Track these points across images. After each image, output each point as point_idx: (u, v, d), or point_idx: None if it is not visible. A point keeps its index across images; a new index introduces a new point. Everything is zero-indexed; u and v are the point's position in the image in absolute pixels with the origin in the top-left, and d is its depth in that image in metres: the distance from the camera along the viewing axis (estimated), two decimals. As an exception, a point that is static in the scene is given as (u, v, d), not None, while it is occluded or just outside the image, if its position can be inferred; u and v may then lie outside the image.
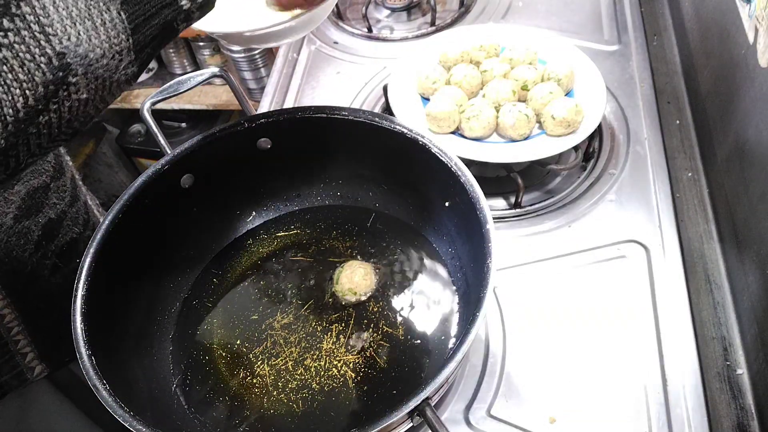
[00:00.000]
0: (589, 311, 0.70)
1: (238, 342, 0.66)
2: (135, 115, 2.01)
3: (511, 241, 0.77)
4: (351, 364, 0.63)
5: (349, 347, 0.64)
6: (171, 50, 1.90)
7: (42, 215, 0.61)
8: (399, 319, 0.66)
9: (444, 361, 0.48)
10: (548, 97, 0.79)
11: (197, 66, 1.93)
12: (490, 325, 0.70)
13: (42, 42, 0.28)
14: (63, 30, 0.28)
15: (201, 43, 1.83)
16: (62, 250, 0.65)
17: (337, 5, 1.11)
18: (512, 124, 0.77)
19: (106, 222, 0.58)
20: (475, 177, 0.58)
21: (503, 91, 0.80)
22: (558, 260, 0.75)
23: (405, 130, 0.62)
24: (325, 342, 0.65)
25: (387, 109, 0.88)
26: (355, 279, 0.67)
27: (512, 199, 0.81)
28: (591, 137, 0.81)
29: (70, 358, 0.66)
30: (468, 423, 0.63)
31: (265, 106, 0.99)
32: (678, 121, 0.91)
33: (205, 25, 0.59)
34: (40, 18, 0.28)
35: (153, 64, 1.98)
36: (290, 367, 0.63)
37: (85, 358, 0.50)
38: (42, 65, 0.28)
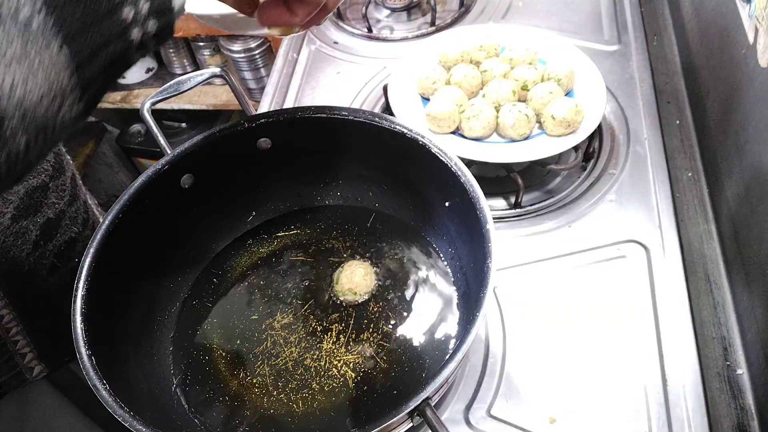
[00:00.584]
0: (589, 311, 0.70)
1: (238, 342, 0.66)
2: (135, 115, 2.01)
3: (511, 241, 0.77)
4: (351, 364, 0.63)
5: (349, 347, 0.64)
6: (171, 50, 1.91)
7: (40, 215, 0.61)
8: (399, 318, 0.66)
9: (444, 361, 0.48)
10: (548, 97, 0.79)
11: (197, 66, 1.93)
12: (490, 325, 0.70)
13: None
14: None
15: (201, 43, 1.83)
16: (60, 249, 0.65)
17: (337, 5, 1.11)
18: (512, 124, 0.77)
19: (106, 222, 0.58)
20: (475, 177, 0.58)
21: (503, 91, 0.80)
22: (558, 260, 0.75)
23: (405, 130, 0.62)
24: (325, 342, 0.65)
25: (387, 109, 0.88)
26: (355, 279, 0.67)
27: (512, 199, 0.81)
28: (591, 137, 0.81)
29: (69, 358, 0.66)
30: (468, 423, 0.63)
31: (265, 106, 0.99)
32: (678, 121, 0.91)
33: (193, 7, 0.59)
34: None
35: (153, 64, 1.98)
36: (290, 367, 0.63)
37: (85, 358, 0.50)
38: None
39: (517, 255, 0.76)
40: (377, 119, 0.64)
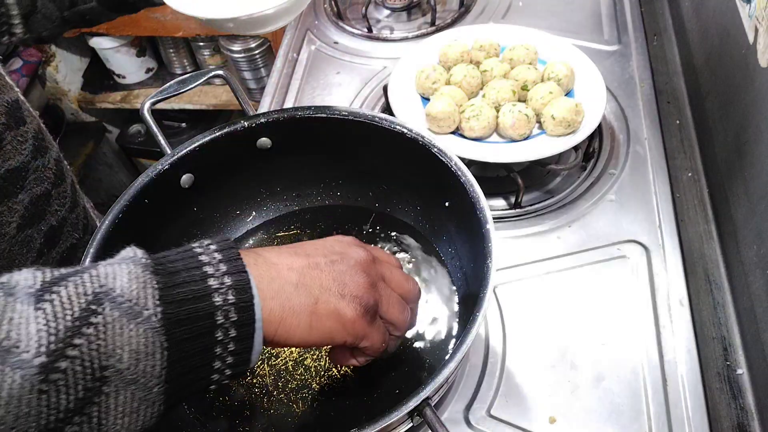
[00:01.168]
0: (589, 311, 0.70)
1: (238, 342, 0.66)
2: (135, 115, 2.01)
3: (511, 241, 0.77)
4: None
5: (349, 347, 0.64)
6: (171, 50, 1.91)
7: (44, 222, 0.61)
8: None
9: (444, 361, 0.47)
10: (548, 97, 0.79)
11: (197, 66, 1.93)
12: (490, 325, 0.70)
13: None
14: (113, 425, 0.33)
15: (201, 43, 1.83)
16: (63, 256, 0.65)
17: (337, 5, 1.11)
18: (512, 124, 0.77)
19: (106, 222, 0.58)
20: (475, 177, 0.58)
21: (503, 91, 0.80)
22: (558, 260, 0.75)
23: (405, 130, 0.62)
24: (325, 342, 0.64)
25: (387, 109, 0.88)
26: (355, 279, 0.67)
27: (512, 199, 0.81)
28: (591, 137, 0.81)
29: None
30: (468, 423, 0.63)
31: (265, 106, 0.99)
32: (678, 121, 0.91)
33: (190, 9, 0.60)
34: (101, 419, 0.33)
35: (153, 64, 1.98)
36: (290, 367, 0.63)
37: (85, 358, 0.50)
38: None
39: (517, 255, 0.76)
40: (377, 119, 0.64)
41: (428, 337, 0.64)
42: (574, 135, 0.77)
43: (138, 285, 0.34)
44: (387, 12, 1.12)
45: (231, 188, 0.71)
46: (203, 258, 0.37)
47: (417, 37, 1.06)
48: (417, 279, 0.68)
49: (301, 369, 0.63)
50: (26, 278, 0.33)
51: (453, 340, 0.63)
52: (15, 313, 0.31)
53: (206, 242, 0.39)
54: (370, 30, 1.08)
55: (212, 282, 0.36)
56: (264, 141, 0.68)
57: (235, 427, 0.60)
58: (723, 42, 0.80)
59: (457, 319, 0.65)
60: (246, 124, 0.66)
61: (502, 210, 0.80)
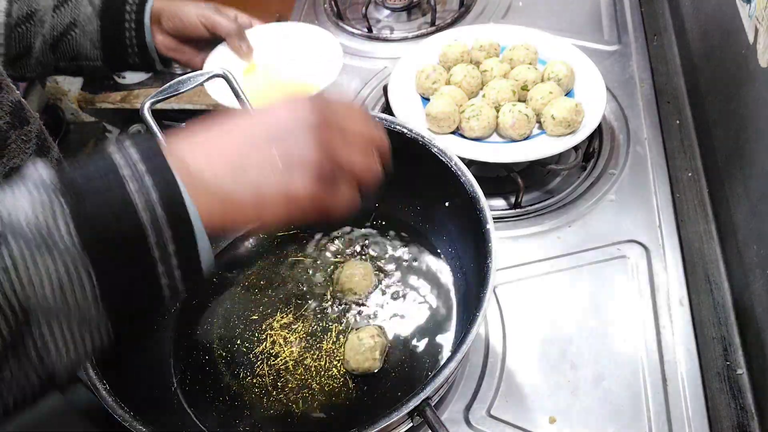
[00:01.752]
0: (589, 311, 0.70)
1: (238, 342, 0.66)
2: (135, 115, 2.01)
3: (511, 241, 0.77)
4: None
5: (349, 347, 0.64)
6: (171, 50, 1.90)
7: None
8: (399, 318, 0.66)
9: (444, 361, 0.48)
10: (548, 97, 0.79)
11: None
12: (490, 325, 0.70)
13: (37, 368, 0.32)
14: (57, 355, 0.32)
15: (201, 43, 1.82)
16: None
17: (337, 5, 1.11)
18: (512, 124, 0.77)
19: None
20: (475, 177, 0.58)
21: (503, 91, 0.80)
22: (558, 260, 0.75)
23: (405, 130, 0.62)
24: (325, 342, 0.65)
25: (387, 109, 0.88)
26: (355, 279, 0.67)
27: (512, 199, 0.81)
28: (591, 137, 0.81)
29: None
30: (468, 423, 0.63)
31: (265, 106, 0.99)
32: (678, 121, 0.91)
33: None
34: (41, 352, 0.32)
35: (153, 64, 1.97)
36: (290, 367, 0.63)
37: (85, 358, 0.50)
38: (34, 384, 0.33)
39: (517, 255, 0.76)
40: (377, 119, 0.64)
41: (428, 337, 0.64)
42: (574, 135, 0.77)
43: (45, 213, 0.31)
44: (387, 12, 1.12)
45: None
46: (121, 165, 0.34)
47: (417, 37, 1.06)
48: (417, 279, 0.69)
49: (301, 369, 0.63)
50: None
51: (453, 340, 0.63)
52: None
53: (126, 143, 0.35)
54: (370, 30, 1.08)
55: (136, 197, 0.33)
56: (264, 141, 0.68)
57: (235, 427, 0.60)
58: (723, 42, 0.80)
59: (457, 319, 0.65)
60: (246, 124, 0.65)
61: (502, 210, 0.80)
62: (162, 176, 0.34)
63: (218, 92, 0.73)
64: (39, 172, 0.34)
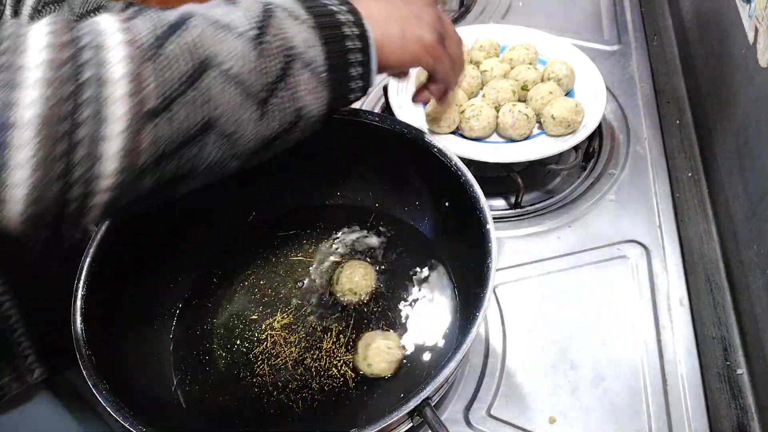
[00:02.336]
0: (589, 311, 0.70)
1: (238, 342, 0.66)
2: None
3: (511, 241, 0.77)
4: (351, 364, 0.63)
5: (349, 347, 0.64)
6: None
7: None
8: (399, 318, 0.66)
9: (444, 361, 0.48)
10: (548, 97, 0.79)
11: (197, 66, 1.92)
12: (490, 325, 0.70)
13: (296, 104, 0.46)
14: (305, 102, 0.46)
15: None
16: (63, 255, 0.65)
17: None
18: (512, 124, 0.77)
19: (106, 222, 0.58)
20: (475, 177, 0.58)
21: (503, 91, 0.80)
22: (558, 260, 0.75)
23: (405, 130, 0.62)
24: (325, 342, 0.65)
25: (387, 109, 0.88)
26: (355, 279, 0.67)
27: (512, 199, 0.81)
28: (591, 137, 0.81)
29: (67, 363, 0.66)
30: (468, 423, 0.63)
31: (265, 106, 0.99)
32: (678, 121, 0.91)
33: None
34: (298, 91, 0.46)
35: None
36: (290, 367, 0.63)
37: (86, 358, 0.50)
38: (290, 116, 0.46)
39: (517, 255, 0.76)
40: (377, 119, 0.64)
41: (428, 337, 0.64)
42: (574, 135, 0.77)
43: (289, 2, 0.46)
44: (387, 12, 1.12)
45: (231, 188, 0.71)
46: (327, 0, 0.49)
47: (417, 37, 1.06)
48: (416, 279, 0.69)
49: (301, 369, 0.63)
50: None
51: (453, 340, 0.63)
52: (219, 8, 0.43)
53: None
54: (370, 30, 1.08)
55: (337, 8, 0.48)
56: (264, 141, 0.68)
57: (235, 427, 0.60)
58: (723, 42, 0.80)
59: (457, 319, 0.65)
60: (246, 124, 0.65)
61: (502, 210, 0.80)
62: (352, 9, 0.49)
63: None
64: None
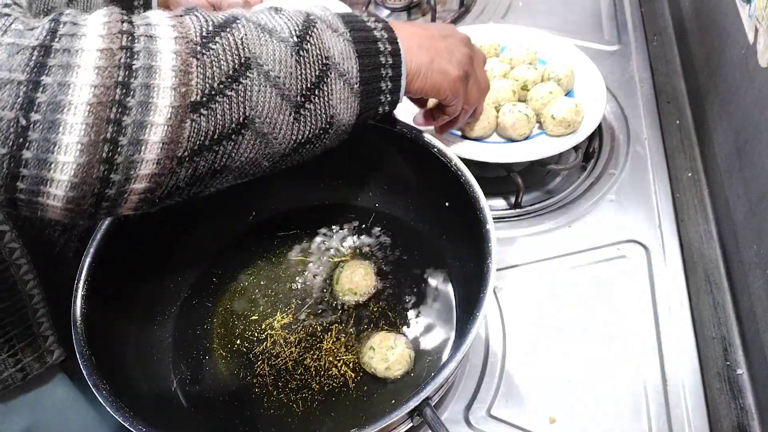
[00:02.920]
0: (589, 311, 0.70)
1: (238, 342, 0.66)
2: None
3: (511, 241, 0.77)
4: (351, 364, 0.63)
5: (349, 347, 0.64)
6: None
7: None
8: (399, 318, 0.66)
9: (444, 361, 0.48)
10: (548, 97, 0.79)
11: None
12: (490, 325, 0.70)
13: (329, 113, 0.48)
14: (337, 110, 0.48)
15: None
16: (82, 235, 0.65)
17: (337, 5, 1.12)
18: (512, 124, 0.77)
19: (106, 222, 0.58)
20: (475, 177, 0.58)
21: (503, 91, 0.80)
22: (558, 260, 0.75)
23: (405, 130, 0.62)
24: (325, 342, 0.65)
25: (387, 109, 0.88)
26: (355, 279, 0.67)
27: (512, 199, 0.81)
28: (591, 137, 0.81)
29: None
30: (468, 423, 0.63)
31: (265, 106, 0.99)
32: (678, 121, 0.91)
33: None
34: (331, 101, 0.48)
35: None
36: (290, 367, 0.63)
37: (86, 357, 0.50)
38: (322, 122, 0.48)
39: (517, 255, 0.76)
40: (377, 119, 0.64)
41: (428, 337, 0.64)
42: (574, 135, 0.77)
43: (329, 15, 0.49)
44: (387, 12, 1.12)
45: (231, 188, 0.71)
46: (364, 17, 0.52)
47: (417, 37, 1.06)
48: (417, 279, 0.69)
49: (301, 369, 0.63)
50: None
51: (453, 340, 0.63)
52: (264, 15, 0.46)
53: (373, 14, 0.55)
54: (370, 30, 1.08)
55: (373, 25, 0.51)
56: (264, 141, 0.68)
57: (235, 426, 0.60)
58: (723, 42, 0.80)
59: (457, 319, 0.65)
60: (246, 124, 0.65)
61: (502, 210, 0.80)
62: (389, 29, 0.52)
63: None
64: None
